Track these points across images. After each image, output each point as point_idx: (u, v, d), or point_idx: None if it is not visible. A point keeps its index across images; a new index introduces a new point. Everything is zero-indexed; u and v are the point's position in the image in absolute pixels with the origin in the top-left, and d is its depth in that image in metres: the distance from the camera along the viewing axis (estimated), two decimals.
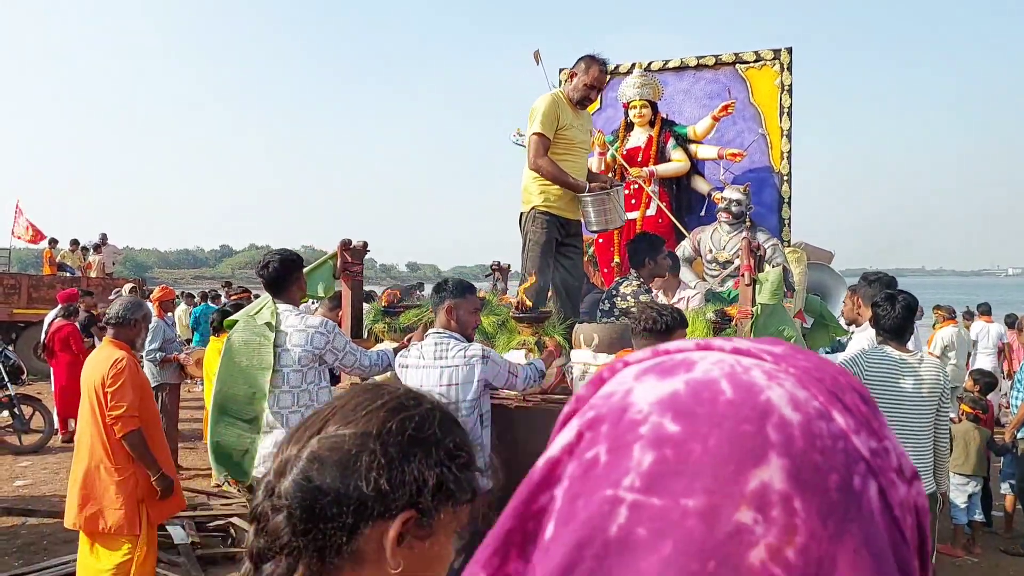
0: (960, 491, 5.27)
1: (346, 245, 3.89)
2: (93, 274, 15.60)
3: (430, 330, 3.41)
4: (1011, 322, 10.38)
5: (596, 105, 6.31)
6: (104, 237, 16.85)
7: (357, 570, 0.80)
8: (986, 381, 6.19)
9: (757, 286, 3.32)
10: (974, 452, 5.34)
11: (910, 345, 3.51)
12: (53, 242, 16.18)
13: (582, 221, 4.37)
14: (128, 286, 11.92)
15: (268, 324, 3.33)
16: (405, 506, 0.79)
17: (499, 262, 5.56)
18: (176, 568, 4.61)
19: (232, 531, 5.17)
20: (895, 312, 3.40)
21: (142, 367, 6.07)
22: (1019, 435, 5.31)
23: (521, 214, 4.13)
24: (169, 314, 7.87)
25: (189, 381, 11.07)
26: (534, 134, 3.90)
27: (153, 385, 6.92)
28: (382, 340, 3.92)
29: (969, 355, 9.52)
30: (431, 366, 3.27)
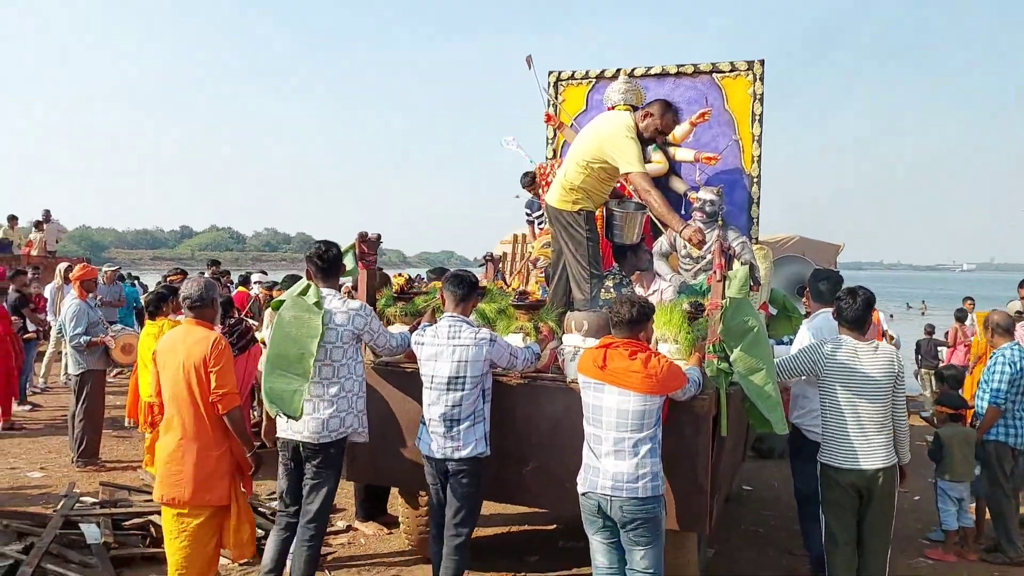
0: (950, 497, 5.23)
1: (363, 237, 4.30)
2: (35, 252, 15.12)
3: (445, 314, 3.88)
4: (960, 316, 11.04)
5: (582, 107, 6.78)
6: (47, 214, 16.24)
7: None
8: (951, 375, 5.96)
9: (727, 282, 3.80)
10: (960, 457, 5.18)
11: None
12: None
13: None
14: (107, 268, 11.67)
15: (316, 303, 3.75)
16: None
17: (491, 253, 6.04)
18: (88, 570, 4.37)
19: (152, 530, 4.86)
20: (856, 305, 3.91)
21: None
22: (986, 438, 5.25)
23: (561, 211, 4.47)
24: (91, 295, 7.23)
25: (112, 369, 10.00)
26: (640, 172, 4.22)
27: (77, 372, 6.66)
28: (393, 323, 4.36)
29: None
30: (444, 344, 3.75)
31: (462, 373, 3.70)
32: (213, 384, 3.69)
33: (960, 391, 6.00)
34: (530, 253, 6.55)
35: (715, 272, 3.81)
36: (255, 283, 10.82)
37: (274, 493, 5.88)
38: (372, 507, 5.52)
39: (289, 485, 3.96)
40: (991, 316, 5.51)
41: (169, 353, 3.83)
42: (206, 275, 9.38)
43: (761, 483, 7.01)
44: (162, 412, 3.97)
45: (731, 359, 3.71)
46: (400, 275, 4.82)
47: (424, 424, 3.85)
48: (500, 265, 6.17)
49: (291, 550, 3.95)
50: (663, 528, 3.44)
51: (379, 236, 4.34)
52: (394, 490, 5.25)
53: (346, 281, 4.51)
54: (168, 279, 8.33)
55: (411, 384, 3.94)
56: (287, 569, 3.97)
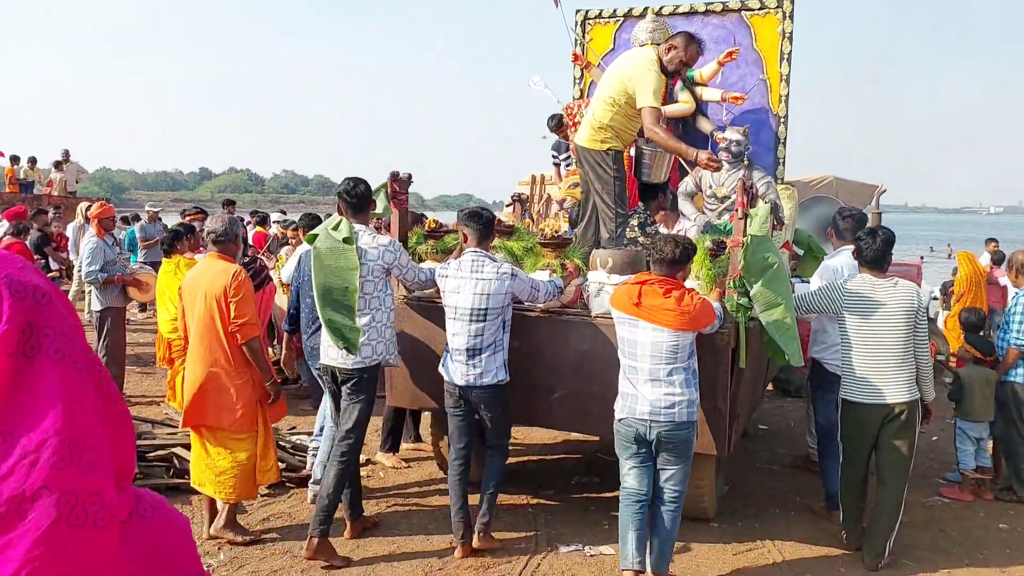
0: (968, 437, 5.22)
1: (395, 176, 4.41)
2: (55, 192, 15.28)
3: (467, 249, 4.01)
4: (998, 259, 10.82)
5: (609, 46, 6.74)
6: (67, 154, 16.33)
7: None
8: (968, 320, 5.72)
9: (748, 220, 3.88)
10: (981, 397, 5.16)
11: None
12: (15, 159, 15.81)
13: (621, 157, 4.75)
14: (150, 207, 11.97)
15: (347, 239, 3.87)
16: None
17: (519, 194, 6.14)
18: None
19: (175, 461, 4.98)
20: (876, 244, 4.00)
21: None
22: (1005, 379, 5.22)
23: (589, 150, 4.55)
24: (113, 232, 7.28)
25: (139, 308, 10.23)
26: (651, 107, 4.27)
27: (97, 309, 6.71)
28: (424, 261, 4.51)
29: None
30: (467, 278, 3.90)
31: (484, 305, 3.86)
32: (233, 314, 3.84)
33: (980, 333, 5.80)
34: (548, 195, 6.64)
35: (737, 210, 3.89)
36: (274, 222, 10.92)
37: (295, 428, 6.15)
38: (394, 442, 5.71)
39: (337, 407, 4.19)
40: (1015, 256, 5.50)
41: (194, 286, 3.98)
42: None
43: (777, 422, 7.15)
44: (185, 348, 4.13)
45: (751, 294, 3.82)
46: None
47: (448, 353, 4.03)
48: (528, 205, 6.28)
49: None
50: (692, 451, 3.64)
51: (410, 175, 4.44)
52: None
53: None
54: (187, 218, 8.41)
55: (444, 317, 4.12)
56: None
